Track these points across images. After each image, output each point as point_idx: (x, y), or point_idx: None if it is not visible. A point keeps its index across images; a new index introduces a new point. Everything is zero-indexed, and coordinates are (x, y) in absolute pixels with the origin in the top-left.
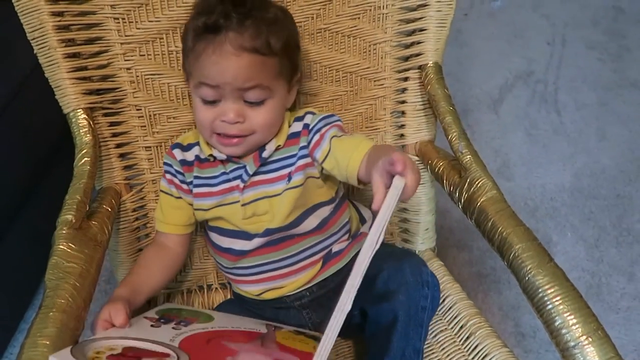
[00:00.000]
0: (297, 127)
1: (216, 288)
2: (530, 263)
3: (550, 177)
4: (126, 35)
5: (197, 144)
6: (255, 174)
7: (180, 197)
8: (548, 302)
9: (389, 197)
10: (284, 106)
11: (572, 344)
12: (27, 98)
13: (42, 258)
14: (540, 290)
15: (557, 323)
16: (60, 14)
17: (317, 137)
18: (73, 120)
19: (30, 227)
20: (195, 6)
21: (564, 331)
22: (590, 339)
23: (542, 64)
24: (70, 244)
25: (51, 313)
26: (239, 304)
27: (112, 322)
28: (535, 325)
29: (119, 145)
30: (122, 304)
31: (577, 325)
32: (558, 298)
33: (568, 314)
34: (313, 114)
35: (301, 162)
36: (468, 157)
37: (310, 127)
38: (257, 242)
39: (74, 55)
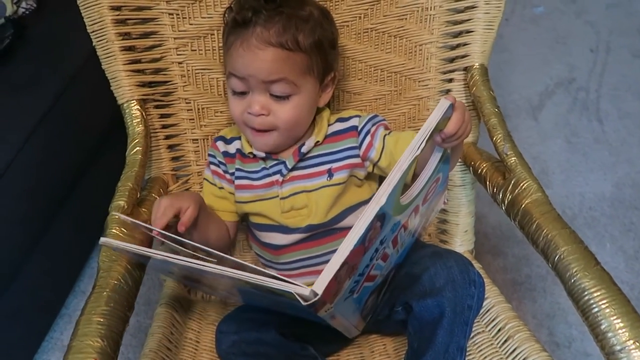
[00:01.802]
0: (340, 126)
1: None
2: (576, 266)
3: (589, 186)
4: (179, 31)
5: (239, 138)
6: (294, 169)
7: (222, 188)
8: (594, 305)
9: (433, 113)
10: (313, 104)
11: (618, 347)
12: (79, 90)
13: (85, 245)
14: (586, 293)
15: (603, 326)
16: (118, 8)
17: (368, 138)
18: (127, 110)
19: (75, 215)
20: (233, 2)
21: (609, 335)
22: (637, 344)
23: (585, 72)
24: (122, 229)
25: (104, 292)
26: None
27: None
28: (570, 335)
29: (168, 137)
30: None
31: (623, 329)
32: (605, 301)
33: (615, 317)
34: (359, 116)
35: (349, 161)
36: (513, 159)
37: (360, 129)
38: (296, 236)
39: (130, 49)
